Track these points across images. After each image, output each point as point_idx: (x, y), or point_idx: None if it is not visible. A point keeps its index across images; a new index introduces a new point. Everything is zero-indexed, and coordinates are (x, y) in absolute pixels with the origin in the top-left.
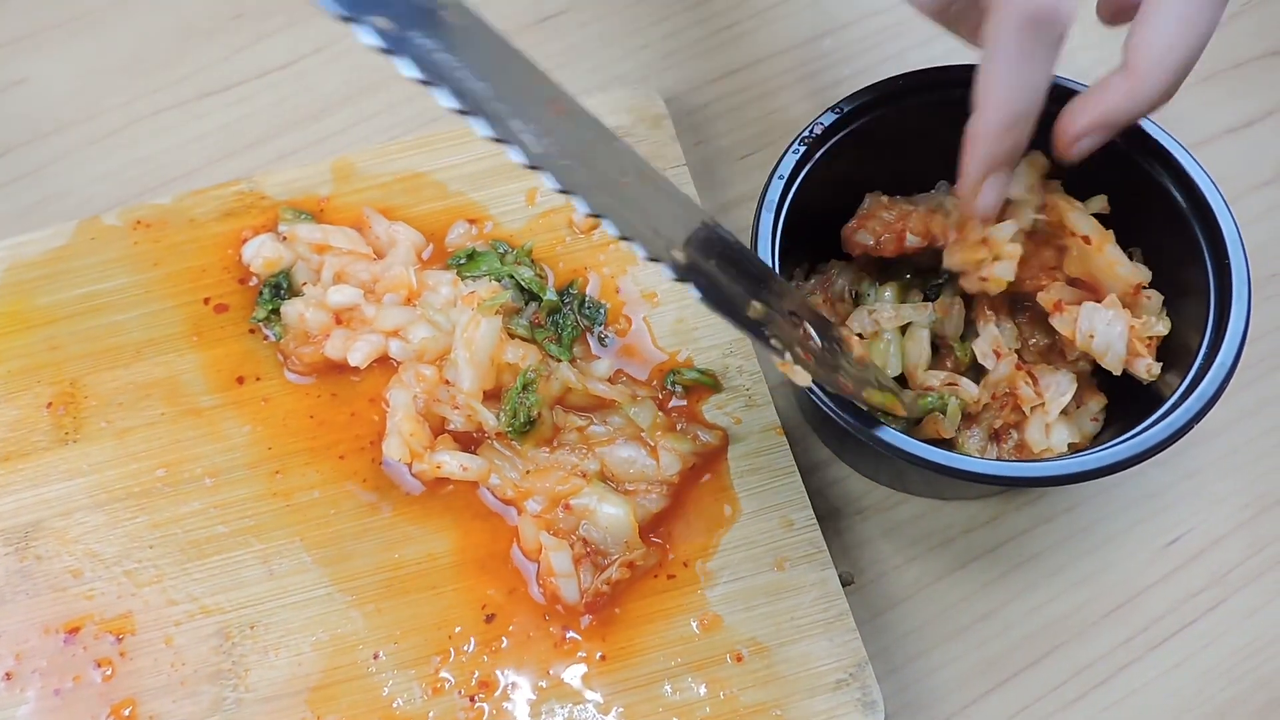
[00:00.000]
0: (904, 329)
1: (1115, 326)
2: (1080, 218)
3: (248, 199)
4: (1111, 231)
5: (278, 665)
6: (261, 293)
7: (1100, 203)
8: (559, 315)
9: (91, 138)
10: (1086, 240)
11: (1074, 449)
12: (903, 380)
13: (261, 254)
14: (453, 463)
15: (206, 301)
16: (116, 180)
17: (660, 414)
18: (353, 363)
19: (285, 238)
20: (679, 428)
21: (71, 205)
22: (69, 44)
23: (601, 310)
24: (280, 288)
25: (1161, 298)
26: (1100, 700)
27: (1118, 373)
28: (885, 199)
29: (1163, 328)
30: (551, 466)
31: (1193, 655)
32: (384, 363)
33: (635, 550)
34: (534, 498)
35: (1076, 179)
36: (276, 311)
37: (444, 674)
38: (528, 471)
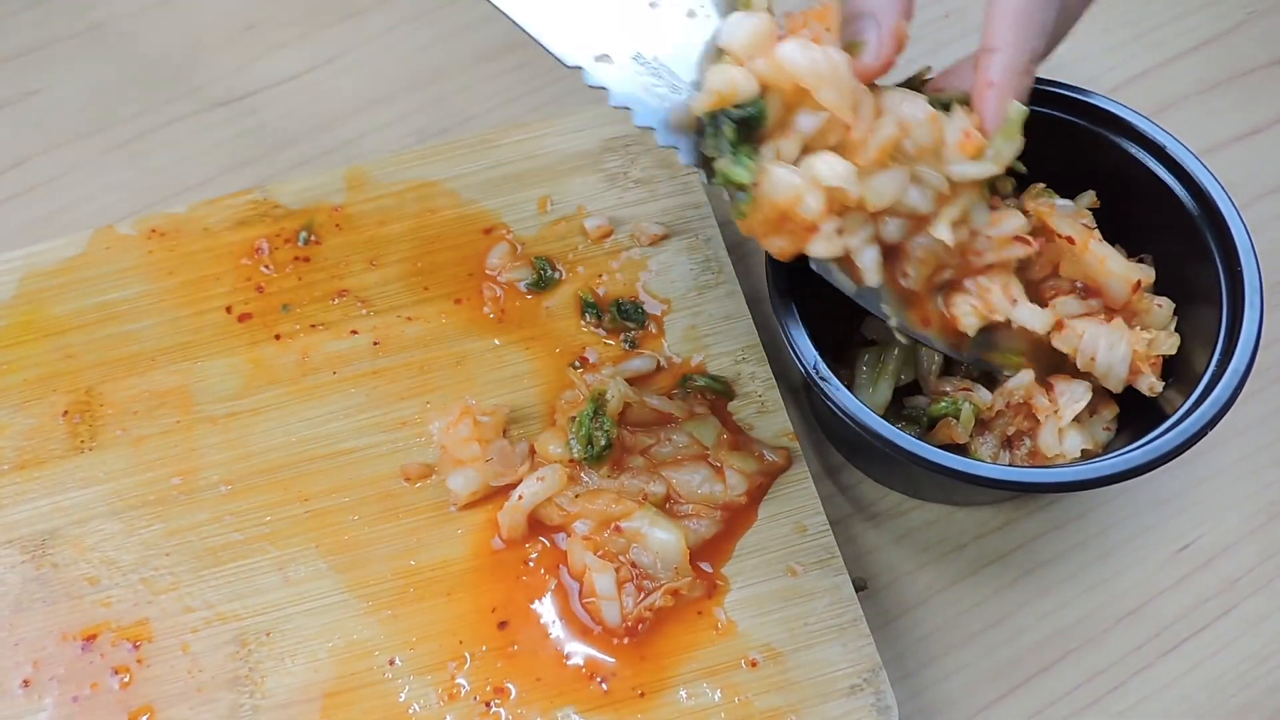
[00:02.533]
0: None
1: (1117, 350)
2: (1062, 219)
3: (261, 208)
4: (1096, 230)
5: (294, 671)
6: (715, 127)
7: (1089, 198)
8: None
9: (105, 148)
10: (1070, 240)
11: (1086, 455)
12: (916, 387)
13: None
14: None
15: (229, 310)
16: (131, 190)
17: (724, 431)
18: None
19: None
20: (744, 447)
21: (86, 215)
22: (82, 55)
23: (641, 311)
24: (751, 126)
25: (1172, 305)
26: (1113, 706)
27: (1118, 391)
28: None
29: (1169, 347)
30: (602, 490)
31: (1204, 661)
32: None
33: (684, 578)
34: (582, 520)
35: (1083, 184)
36: (745, 159)
37: (459, 680)
38: (576, 495)
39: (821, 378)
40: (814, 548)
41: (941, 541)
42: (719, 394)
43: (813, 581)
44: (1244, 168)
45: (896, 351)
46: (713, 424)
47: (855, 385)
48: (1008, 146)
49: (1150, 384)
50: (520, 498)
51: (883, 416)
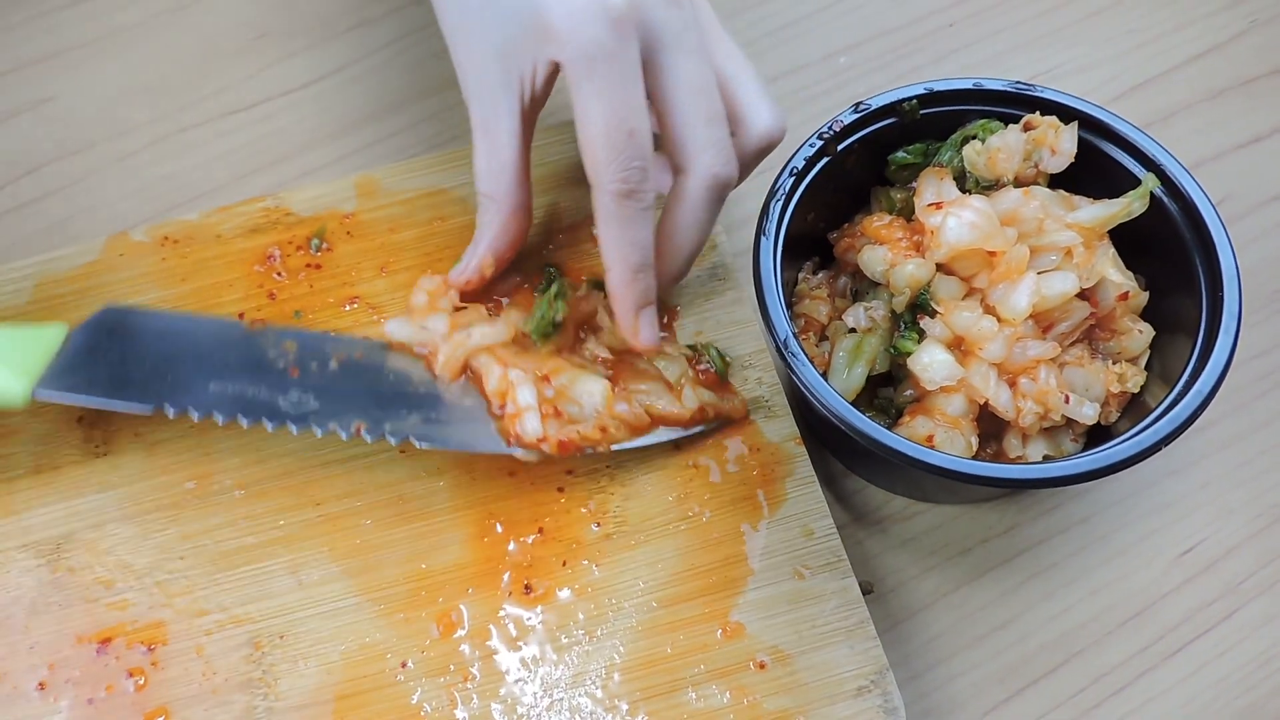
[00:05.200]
0: None
1: (1082, 408)
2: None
3: (273, 215)
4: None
5: (307, 674)
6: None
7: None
8: None
9: (118, 155)
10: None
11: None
12: (890, 377)
13: None
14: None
15: (241, 317)
16: (144, 197)
17: (690, 370)
18: None
19: None
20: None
21: (100, 222)
22: (95, 63)
23: None
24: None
25: (1151, 334)
26: (1117, 708)
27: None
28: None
29: (1135, 385)
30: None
31: (1208, 663)
32: None
33: (610, 421)
34: (517, 369)
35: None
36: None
37: (471, 683)
38: (514, 352)
39: (790, 352)
40: (821, 551)
41: (947, 545)
42: (716, 372)
43: (820, 584)
44: (1246, 176)
45: (875, 340)
46: (681, 363)
47: (831, 369)
48: (1138, 205)
49: (1105, 414)
50: (469, 335)
51: (854, 404)
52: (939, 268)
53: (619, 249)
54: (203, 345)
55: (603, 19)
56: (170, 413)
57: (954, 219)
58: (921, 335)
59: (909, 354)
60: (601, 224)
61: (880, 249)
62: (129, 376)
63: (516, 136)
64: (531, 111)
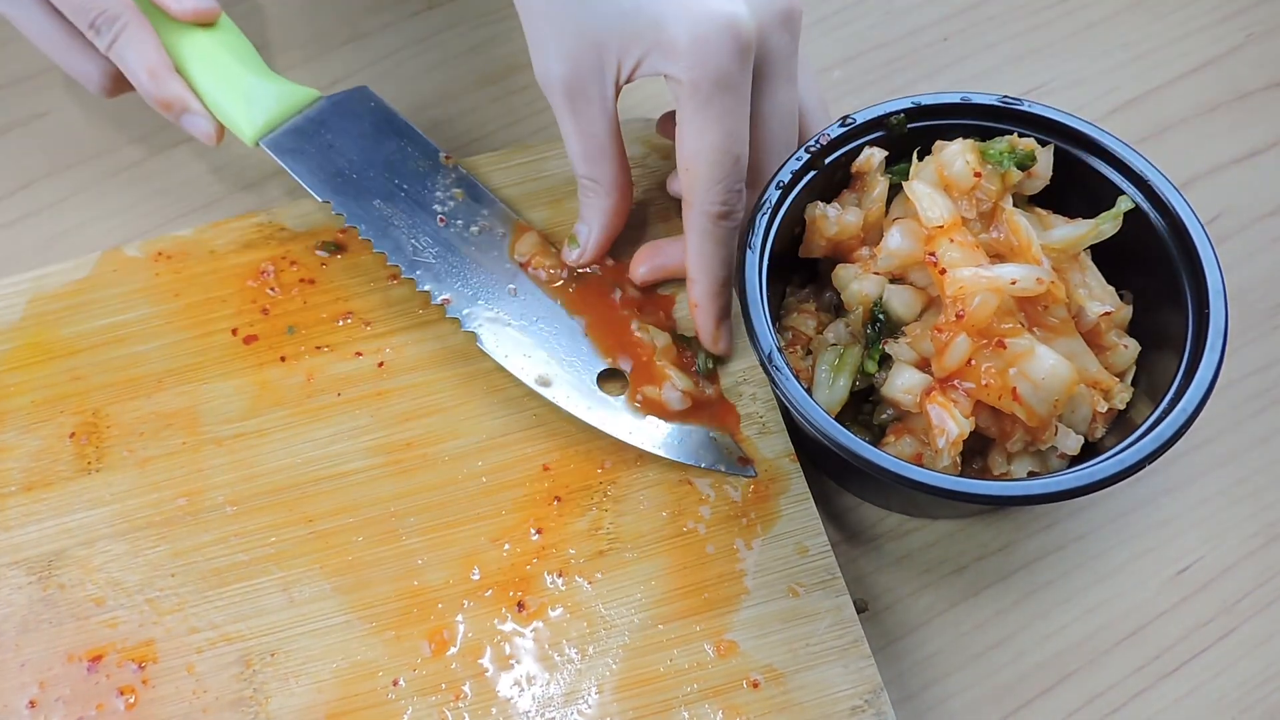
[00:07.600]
0: None
1: (1067, 439)
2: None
3: (266, 230)
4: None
5: (298, 692)
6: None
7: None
8: None
9: (112, 170)
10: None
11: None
12: (871, 391)
13: None
14: None
15: (235, 333)
16: (137, 212)
17: (675, 351)
18: None
19: None
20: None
21: (93, 237)
22: None
23: None
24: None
25: (1138, 349)
26: None
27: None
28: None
29: (1120, 402)
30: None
31: (1204, 683)
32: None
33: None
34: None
35: (1067, 211)
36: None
37: (463, 702)
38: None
39: (774, 366)
40: (815, 569)
41: (942, 564)
42: (698, 372)
43: (814, 602)
44: (1243, 190)
45: (857, 352)
46: (665, 340)
47: (814, 384)
48: (1108, 226)
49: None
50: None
51: (839, 418)
52: (895, 280)
53: (709, 264)
54: (392, 161)
55: (732, 48)
56: (338, 210)
57: (898, 228)
58: (883, 356)
59: (872, 374)
60: (693, 240)
61: (852, 266)
62: (333, 166)
63: (610, 118)
64: (615, 99)
